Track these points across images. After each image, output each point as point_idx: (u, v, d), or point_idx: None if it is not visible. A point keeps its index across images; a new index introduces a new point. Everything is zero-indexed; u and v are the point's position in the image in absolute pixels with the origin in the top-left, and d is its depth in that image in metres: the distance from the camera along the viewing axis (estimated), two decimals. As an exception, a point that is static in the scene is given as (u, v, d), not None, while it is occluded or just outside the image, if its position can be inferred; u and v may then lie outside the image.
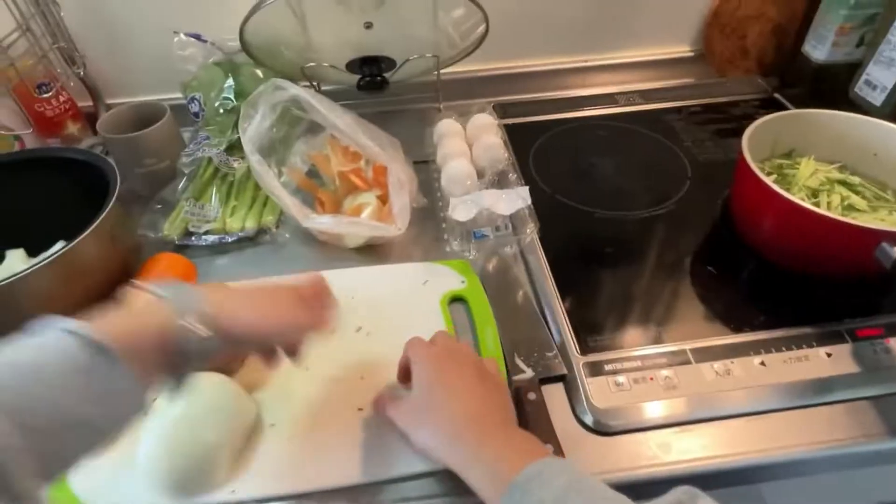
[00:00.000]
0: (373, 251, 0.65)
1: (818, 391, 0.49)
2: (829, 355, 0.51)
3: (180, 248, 0.65)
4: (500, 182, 0.69)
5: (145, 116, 0.70)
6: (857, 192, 0.62)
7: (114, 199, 0.51)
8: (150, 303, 0.37)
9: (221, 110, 0.73)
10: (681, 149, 0.78)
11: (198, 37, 0.76)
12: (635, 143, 0.80)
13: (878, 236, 0.50)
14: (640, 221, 0.67)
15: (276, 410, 0.49)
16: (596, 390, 0.49)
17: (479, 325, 0.55)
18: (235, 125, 0.70)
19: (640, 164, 0.77)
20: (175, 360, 0.36)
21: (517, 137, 0.79)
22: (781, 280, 0.59)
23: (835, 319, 0.54)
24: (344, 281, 0.60)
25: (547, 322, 0.56)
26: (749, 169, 0.57)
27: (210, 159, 0.69)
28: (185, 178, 0.67)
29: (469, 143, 0.73)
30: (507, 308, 0.57)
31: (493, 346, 0.53)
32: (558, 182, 0.72)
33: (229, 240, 0.65)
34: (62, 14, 0.75)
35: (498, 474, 0.37)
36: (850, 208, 0.60)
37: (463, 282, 0.60)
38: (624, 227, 0.67)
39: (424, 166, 0.74)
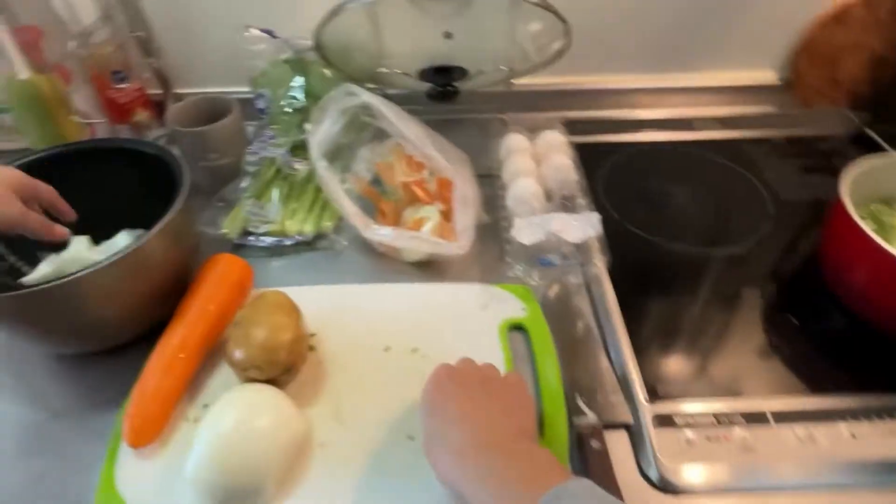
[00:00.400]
0: (430, 267, 0.63)
1: (915, 472, 0.44)
2: (928, 431, 0.46)
3: (237, 248, 0.64)
4: (568, 206, 0.66)
5: (213, 110, 0.70)
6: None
7: (184, 199, 0.50)
8: None
9: (288, 108, 0.72)
10: (762, 183, 0.73)
11: (270, 33, 0.75)
12: (712, 173, 0.76)
13: None
14: (717, 260, 0.63)
15: (326, 429, 0.47)
16: (664, 444, 0.46)
17: (539, 356, 0.53)
18: (300, 125, 0.70)
19: (718, 196, 0.72)
20: None
21: (586, 158, 0.75)
22: (875, 339, 0.54)
23: (935, 390, 0.49)
24: (400, 297, 0.59)
25: (612, 363, 0.52)
26: (846, 214, 0.52)
27: (274, 159, 0.68)
28: (248, 177, 0.66)
29: (536, 161, 0.71)
30: (569, 343, 0.54)
31: (553, 381, 0.50)
32: (628, 209, 0.69)
33: (287, 243, 0.64)
34: (143, 3, 0.76)
35: (513, 501, 0.34)
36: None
37: (524, 309, 0.57)
38: (699, 265, 0.63)
39: (487, 181, 0.71)
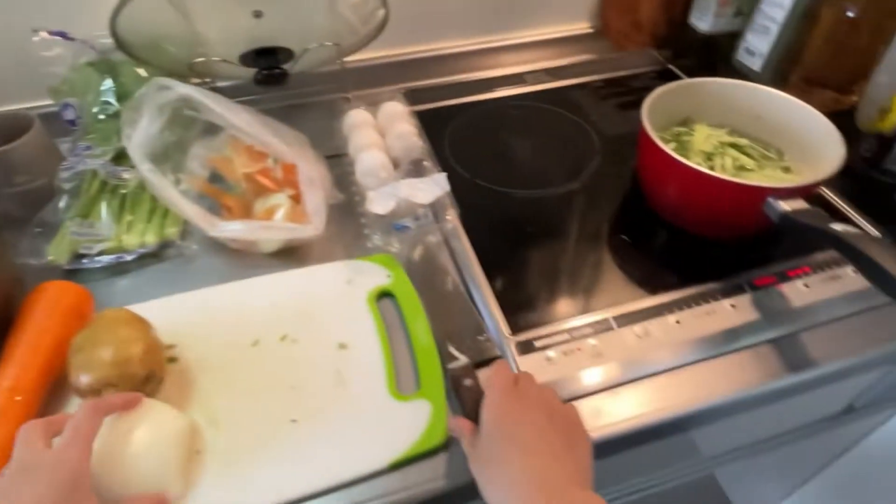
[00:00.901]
0: (291, 254, 0.62)
1: (727, 340, 0.53)
2: (733, 306, 0.55)
3: (70, 274, 0.58)
4: (416, 171, 0.68)
5: (10, 128, 0.62)
6: (746, 154, 0.67)
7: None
8: None
9: (102, 116, 0.66)
10: (589, 124, 0.81)
11: (63, 35, 0.68)
12: (547, 122, 0.82)
13: (764, 192, 0.54)
14: (557, 198, 0.69)
15: (202, 437, 0.46)
16: (528, 367, 0.50)
17: (408, 318, 0.54)
18: (119, 132, 0.64)
19: (553, 141, 0.78)
20: None
21: (430, 124, 0.78)
22: (687, 242, 0.63)
23: (735, 273, 0.58)
24: (263, 289, 0.57)
25: (476, 306, 0.56)
26: (650, 139, 0.60)
27: (95, 172, 0.62)
28: (66, 196, 0.60)
29: (381, 133, 0.72)
30: (436, 297, 0.57)
31: (424, 337, 0.52)
32: (475, 166, 0.72)
33: (128, 258, 0.60)
34: None
35: None
36: (742, 169, 0.65)
37: (389, 276, 0.58)
38: (542, 206, 0.68)
39: (337, 160, 0.71)
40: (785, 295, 0.56)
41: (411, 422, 0.46)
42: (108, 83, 0.66)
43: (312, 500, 0.43)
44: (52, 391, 0.47)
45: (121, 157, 0.64)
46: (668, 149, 0.58)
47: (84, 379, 0.43)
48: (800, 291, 0.57)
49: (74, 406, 0.47)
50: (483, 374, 0.50)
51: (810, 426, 0.76)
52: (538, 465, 0.37)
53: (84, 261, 0.58)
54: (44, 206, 0.60)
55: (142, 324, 0.47)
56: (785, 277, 0.58)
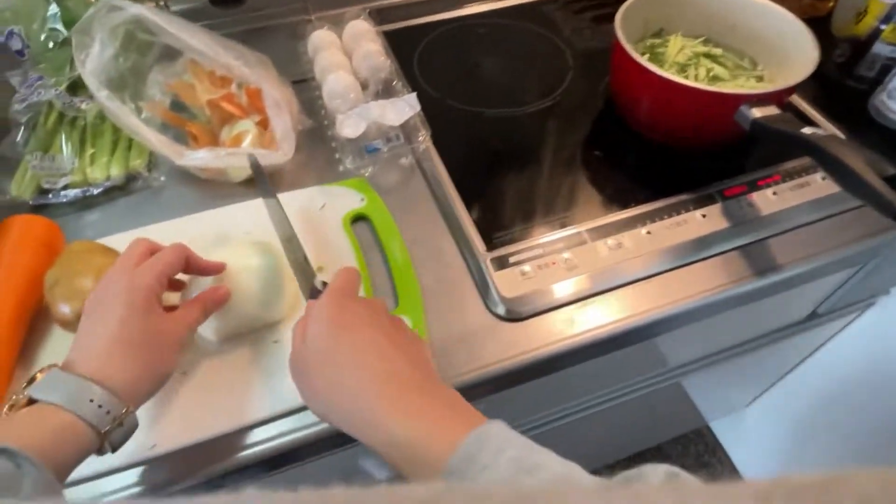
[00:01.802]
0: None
1: (697, 249, 0.54)
2: (703, 216, 0.56)
3: (37, 210, 0.57)
4: (385, 92, 0.66)
5: (-47, 60, 0.58)
6: (720, 63, 0.66)
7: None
8: (37, 411, 0.33)
9: (51, 44, 0.62)
10: (561, 40, 0.78)
11: (-2, -45, 0.63)
12: (517, 39, 0.79)
13: (737, 100, 0.54)
14: (529, 116, 0.68)
15: (185, 358, 0.46)
16: (503, 282, 0.51)
17: (384, 240, 0.55)
18: (72, 59, 0.61)
19: (524, 58, 0.76)
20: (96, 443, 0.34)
21: (398, 43, 0.75)
22: (660, 156, 0.63)
23: (706, 184, 0.59)
24: (236, 218, 0.57)
25: (451, 225, 0.56)
26: (623, 51, 0.58)
27: (51, 103, 0.60)
28: (22, 129, 0.57)
29: (347, 55, 0.69)
30: (411, 219, 0.57)
31: (400, 255, 0.53)
32: (446, 85, 0.71)
33: (95, 192, 0.58)
34: None
35: (428, 449, 0.30)
36: (715, 79, 0.64)
37: (362, 199, 0.58)
38: (515, 124, 0.67)
39: (304, 85, 0.69)
40: (754, 203, 0.57)
41: (390, 336, 0.47)
42: (54, 8, 0.62)
43: (301, 413, 0.45)
44: (31, 326, 0.47)
45: (76, 87, 0.61)
46: (642, 59, 0.57)
47: (66, 309, 0.43)
48: (769, 199, 0.58)
49: (57, 340, 0.47)
50: (457, 289, 0.51)
51: (775, 332, 0.80)
52: (391, 363, 0.34)
53: (50, 196, 0.57)
54: (-1, 141, 0.58)
55: (114, 254, 0.47)
56: (755, 186, 0.59)
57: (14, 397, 0.34)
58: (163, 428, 0.43)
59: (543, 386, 0.53)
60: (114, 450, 0.35)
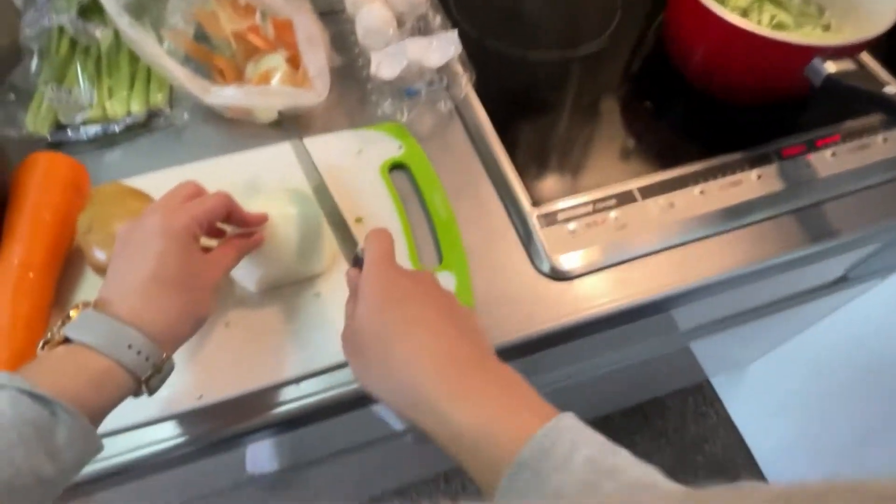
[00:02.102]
0: (290, 123, 0.58)
1: (750, 211, 0.52)
2: (759, 177, 0.54)
3: (54, 146, 0.54)
4: (421, 28, 0.61)
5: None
6: (783, 9, 0.61)
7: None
8: (72, 353, 0.31)
9: (59, -39, 0.56)
10: (608, -26, 0.72)
11: None
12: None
13: (810, 52, 0.50)
14: (575, 61, 0.64)
15: (229, 310, 0.45)
16: (551, 240, 0.49)
17: (425, 191, 0.52)
18: (84, -20, 0.56)
19: (568, -5, 0.71)
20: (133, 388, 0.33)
21: (433, -27, 0.69)
22: (714, 109, 0.59)
23: (762, 142, 0.56)
24: (268, 162, 0.54)
25: (494, 177, 0.54)
26: (685, -11, 0.54)
27: (62, 29, 0.55)
28: (35, 56, 0.53)
29: (381, -15, 0.63)
30: (450, 170, 0.54)
31: (444, 211, 0.51)
32: (484, 23, 0.66)
33: (115, 129, 0.55)
34: None
35: (494, 441, 0.28)
36: (779, 26, 0.60)
37: (400, 147, 0.55)
38: (560, 69, 0.63)
39: (330, 18, 0.64)
40: (812, 164, 0.55)
41: (436, 293, 0.46)
42: (60, -82, 0.56)
43: (342, 369, 0.44)
44: (62, 269, 0.45)
45: (88, 12, 0.56)
46: None
47: (103, 255, 0.41)
48: (826, 161, 0.55)
49: (89, 284, 0.46)
50: (502, 244, 0.49)
51: (801, 295, 0.79)
52: (445, 338, 0.32)
53: (68, 132, 0.53)
54: (10, 69, 0.54)
55: (147, 198, 0.44)
56: (813, 147, 0.56)
57: (49, 334, 0.32)
58: (208, 379, 0.42)
59: (565, 348, 0.52)
60: (150, 394, 0.34)
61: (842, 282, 0.78)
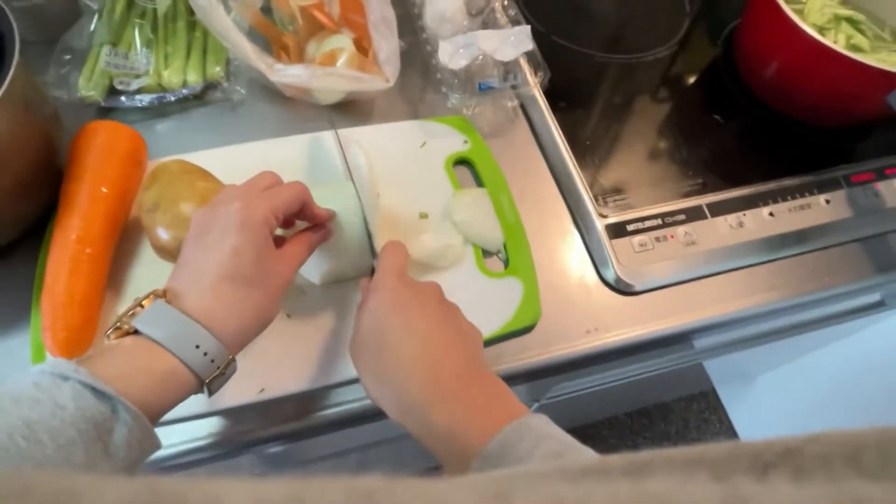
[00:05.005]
0: (351, 108, 0.56)
1: (819, 236, 0.52)
2: (827, 202, 0.53)
3: (106, 112, 0.51)
4: (490, 20, 0.59)
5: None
6: (860, 31, 0.60)
7: (16, 52, 0.37)
8: (140, 347, 0.30)
9: (118, -85, 0.53)
10: (676, -22, 0.70)
11: None
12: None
13: (894, 80, 0.49)
14: (642, 66, 0.62)
15: (290, 301, 0.44)
16: (621, 252, 0.48)
17: (491, 192, 0.51)
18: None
19: (638, -3, 0.69)
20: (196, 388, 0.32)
21: (499, -39, 0.67)
22: (783, 128, 0.58)
23: (831, 166, 0.55)
24: (325, 146, 0.52)
25: (560, 182, 0.52)
26: None
27: (119, -12, 0.52)
28: (94, 15, 0.50)
29: (450, -31, 0.61)
30: (515, 170, 0.53)
31: (510, 213, 0.49)
32: (552, 19, 0.64)
33: (171, 98, 0.52)
34: None
35: (466, 438, 0.30)
36: (855, 48, 0.58)
37: (465, 142, 0.53)
38: (627, 71, 0.61)
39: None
40: (880, 193, 0.54)
41: (504, 299, 0.45)
42: None
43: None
44: (119, 243, 0.43)
45: (146, -29, 0.53)
46: (788, 9, 0.51)
47: (168, 237, 0.39)
48: (894, 190, 0.54)
49: (145, 262, 0.44)
50: (565, 252, 0.48)
51: (836, 317, 0.79)
52: (441, 349, 0.33)
53: (122, 99, 0.51)
54: (60, 29, 0.51)
55: (214, 180, 0.42)
56: (882, 175, 0.55)
57: (117, 322, 0.31)
58: (269, 372, 0.41)
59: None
60: (209, 395, 0.33)
61: (878, 306, 0.78)
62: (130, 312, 0.31)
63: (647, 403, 1.38)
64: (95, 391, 0.27)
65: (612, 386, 0.80)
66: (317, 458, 0.72)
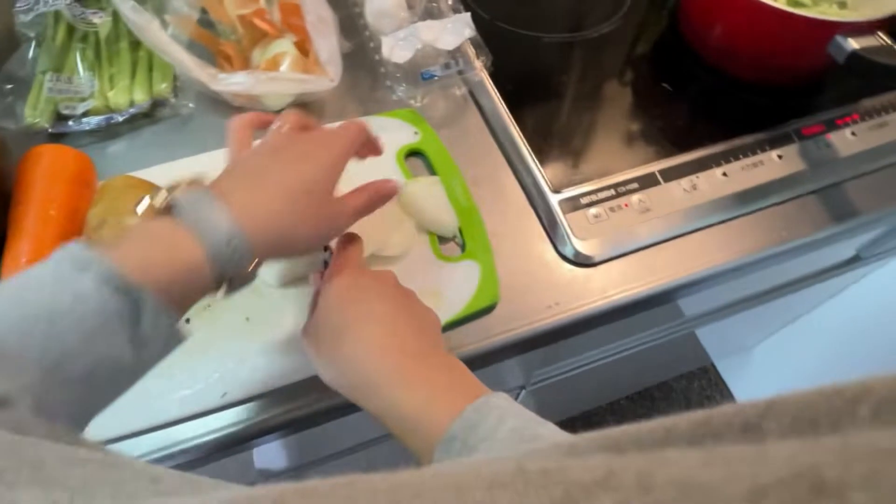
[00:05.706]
0: (302, 111, 0.56)
1: (774, 192, 0.52)
2: (780, 157, 0.53)
3: (56, 138, 0.52)
4: (431, 11, 0.59)
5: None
6: (800, -12, 0.60)
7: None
8: (168, 231, 0.29)
9: (52, -57, 0.54)
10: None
11: None
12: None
13: (832, 29, 0.50)
14: (590, 42, 0.62)
15: (247, 304, 0.44)
16: (575, 225, 0.48)
17: (443, 178, 0.51)
18: (79, -37, 0.53)
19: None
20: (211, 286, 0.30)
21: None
22: (731, 89, 0.59)
23: (781, 122, 0.55)
24: (280, 150, 0.52)
25: (512, 163, 0.52)
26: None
27: (59, 14, 0.52)
28: (33, 43, 0.51)
29: (388, -34, 0.61)
30: (467, 156, 0.53)
31: (464, 198, 0.49)
32: (496, 6, 0.64)
33: (119, 119, 0.52)
34: None
35: (428, 419, 0.30)
36: (796, 4, 0.59)
37: (416, 133, 0.53)
38: (573, 51, 0.62)
39: (339, 2, 0.61)
40: (832, 144, 0.54)
41: (462, 282, 0.45)
42: None
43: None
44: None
45: (84, -2, 0.54)
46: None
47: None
48: (847, 140, 0.55)
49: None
50: (521, 227, 0.48)
51: (813, 276, 0.79)
52: (396, 331, 0.34)
53: (70, 123, 0.51)
54: (5, 59, 0.51)
55: (156, 188, 0.43)
56: (833, 126, 0.55)
57: (149, 199, 0.30)
58: (230, 376, 0.41)
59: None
60: (227, 293, 0.32)
61: (854, 261, 0.78)
62: (167, 193, 0.30)
63: (647, 385, 1.38)
64: (118, 282, 0.26)
65: (602, 364, 0.80)
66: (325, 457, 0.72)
